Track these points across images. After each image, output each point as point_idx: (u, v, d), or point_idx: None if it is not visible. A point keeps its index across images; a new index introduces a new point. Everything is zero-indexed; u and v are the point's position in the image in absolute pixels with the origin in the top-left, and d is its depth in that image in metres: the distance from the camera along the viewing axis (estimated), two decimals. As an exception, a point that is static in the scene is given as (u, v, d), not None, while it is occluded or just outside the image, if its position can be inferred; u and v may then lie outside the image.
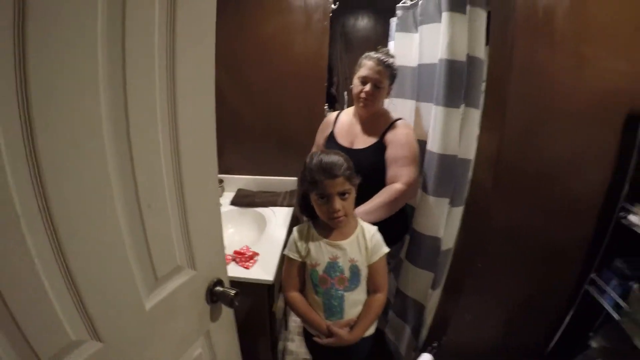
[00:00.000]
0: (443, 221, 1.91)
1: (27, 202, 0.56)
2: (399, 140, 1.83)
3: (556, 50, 1.29)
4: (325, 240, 1.48)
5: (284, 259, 1.58)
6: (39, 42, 0.54)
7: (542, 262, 1.62)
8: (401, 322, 2.27)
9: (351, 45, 4.11)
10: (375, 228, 1.55)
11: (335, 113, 2.17)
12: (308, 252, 1.48)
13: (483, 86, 1.70)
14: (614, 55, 1.32)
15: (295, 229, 1.55)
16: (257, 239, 2.06)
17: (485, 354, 1.88)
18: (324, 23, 2.29)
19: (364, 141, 1.93)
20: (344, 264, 1.46)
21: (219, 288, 1.09)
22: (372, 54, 1.87)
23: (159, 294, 0.89)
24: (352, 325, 1.49)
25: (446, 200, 1.89)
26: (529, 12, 1.25)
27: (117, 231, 0.74)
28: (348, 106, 2.25)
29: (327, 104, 2.61)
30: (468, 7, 1.64)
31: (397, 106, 2.27)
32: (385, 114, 1.97)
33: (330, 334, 1.46)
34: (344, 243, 1.47)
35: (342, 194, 1.39)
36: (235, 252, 1.78)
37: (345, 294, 1.47)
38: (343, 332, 1.45)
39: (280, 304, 2.04)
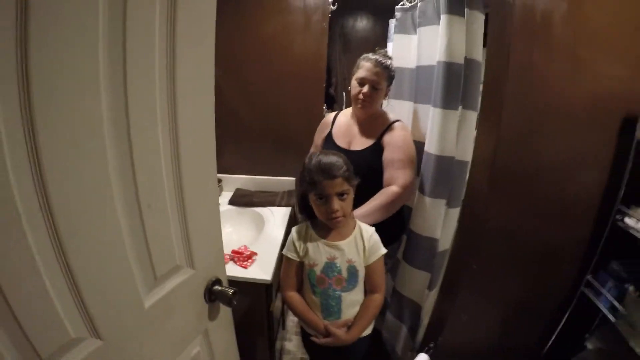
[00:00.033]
0: (440, 222, 1.92)
1: (28, 200, 0.57)
2: (395, 143, 1.84)
3: (553, 53, 1.30)
4: (323, 240, 1.48)
5: (282, 259, 1.58)
6: (40, 41, 0.54)
7: (538, 263, 1.62)
8: (398, 322, 2.27)
9: (350, 46, 4.11)
10: (373, 229, 1.55)
11: (334, 114, 2.17)
12: (306, 252, 1.48)
13: (481, 88, 1.70)
14: (611, 58, 1.33)
15: (293, 229, 1.55)
16: (255, 238, 2.06)
17: (482, 354, 1.88)
18: (323, 24, 2.29)
19: (361, 143, 1.94)
20: (341, 264, 1.47)
21: (217, 287, 1.10)
22: (370, 55, 1.88)
23: (158, 292, 0.90)
24: (349, 326, 1.50)
25: (443, 202, 1.89)
26: (527, 16, 1.26)
27: (117, 230, 0.74)
28: (346, 107, 2.25)
29: (325, 105, 2.61)
30: (466, 10, 1.65)
31: (395, 107, 2.28)
32: (382, 115, 1.97)
33: (327, 333, 1.46)
34: (342, 243, 1.47)
35: (341, 195, 1.39)
36: (234, 252, 1.79)
37: (343, 294, 1.48)
38: (340, 332, 1.46)
39: (277, 303, 2.04)
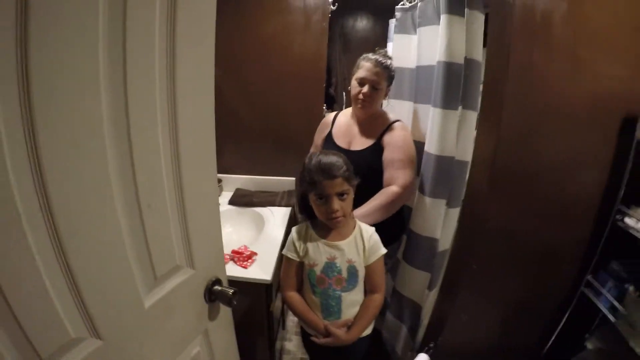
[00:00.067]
0: (440, 222, 1.92)
1: (28, 200, 0.57)
2: (395, 143, 1.84)
3: (553, 53, 1.30)
4: (323, 240, 1.48)
5: (282, 259, 1.58)
6: (40, 41, 0.54)
7: (538, 263, 1.62)
8: (398, 322, 2.27)
9: (350, 46, 4.11)
10: (373, 229, 1.55)
11: (334, 114, 2.17)
12: (306, 252, 1.48)
13: (481, 88, 1.70)
14: (611, 58, 1.33)
15: (293, 229, 1.55)
16: (255, 238, 2.06)
17: (482, 354, 1.88)
18: (323, 24, 2.30)
19: (361, 143, 1.94)
20: (341, 264, 1.47)
21: (217, 287, 1.10)
22: (370, 55, 1.88)
23: (158, 292, 0.90)
24: (349, 326, 1.50)
25: (443, 202, 1.89)
26: (527, 16, 1.26)
27: (117, 230, 0.74)
28: (346, 107, 2.25)
29: (325, 105, 2.61)
30: (466, 10, 1.65)
31: (395, 107, 2.28)
32: (382, 115, 1.97)
33: (327, 333, 1.47)
34: (342, 243, 1.47)
35: (341, 195, 1.39)
36: (234, 252, 1.79)
37: (343, 294, 1.48)
38: (340, 332, 1.46)
39: (277, 303, 2.04)
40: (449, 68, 1.71)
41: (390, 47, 2.40)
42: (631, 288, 1.42)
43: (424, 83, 2.00)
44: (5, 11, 0.50)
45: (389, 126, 1.89)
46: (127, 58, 0.69)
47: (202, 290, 1.07)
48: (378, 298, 1.53)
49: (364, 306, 1.53)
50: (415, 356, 1.77)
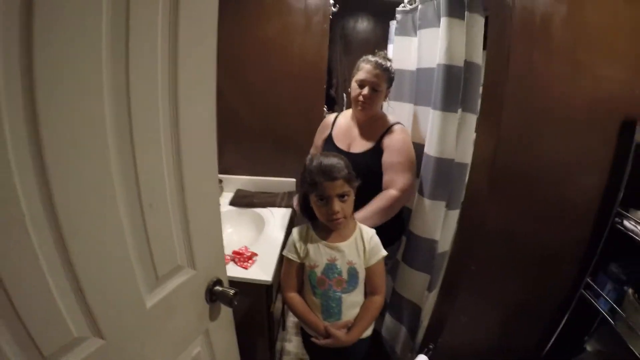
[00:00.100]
0: (439, 224, 1.92)
1: (32, 201, 0.58)
2: (394, 146, 1.85)
3: (552, 56, 1.30)
4: (323, 242, 1.49)
5: (282, 260, 1.59)
6: (44, 41, 0.55)
7: (538, 265, 1.62)
8: (397, 324, 2.27)
9: (351, 48, 4.11)
10: (373, 231, 1.56)
11: (334, 115, 2.18)
12: (307, 253, 1.49)
13: (480, 91, 1.71)
14: (610, 61, 1.34)
15: (294, 230, 1.56)
16: (256, 239, 2.06)
17: (481, 356, 1.88)
18: (324, 25, 2.30)
19: (361, 145, 1.94)
20: (342, 266, 1.47)
21: (218, 288, 1.10)
22: (370, 57, 1.88)
23: (159, 292, 0.91)
24: (349, 327, 1.50)
25: (442, 204, 1.89)
26: (526, 19, 1.26)
27: (120, 230, 0.75)
28: (347, 108, 2.25)
29: (326, 106, 2.62)
30: (466, 13, 1.65)
31: (395, 109, 2.28)
32: (382, 117, 1.98)
33: (327, 335, 1.47)
34: (342, 245, 1.48)
35: (342, 196, 1.40)
36: (234, 253, 1.79)
37: (343, 295, 1.48)
38: (340, 334, 1.46)
39: (278, 304, 2.05)
40: (449, 71, 1.71)
41: (390, 49, 2.41)
42: (630, 290, 1.42)
43: (424, 85, 2.00)
44: (10, 11, 0.51)
45: (388, 129, 1.90)
46: (129, 57, 0.70)
47: (203, 291, 1.07)
48: (378, 300, 1.54)
49: (364, 308, 1.54)
50: (414, 357, 1.78)
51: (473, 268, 1.59)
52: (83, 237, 0.67)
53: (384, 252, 1.53)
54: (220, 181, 2.60)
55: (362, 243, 1.50)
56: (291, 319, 2.82)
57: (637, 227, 1.36)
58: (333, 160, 1.41)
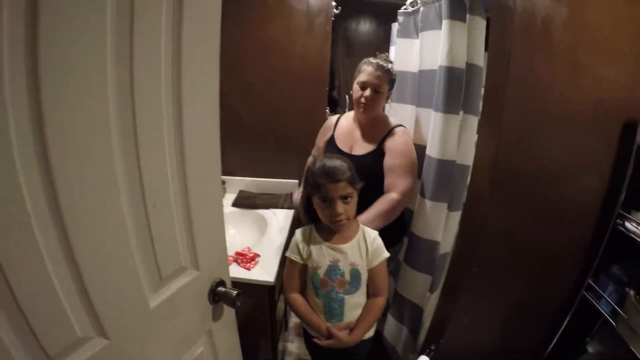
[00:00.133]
0: (441, 225, 1.93)
1: (37, 201, 0.58)
2: (396, 149, 1.85)
3: (553, 57, 1.30)
4: (326, 243, 1.49)
5: (284, 261, 1.59)
6: (49, 42, 0.56)
7: (539, 267, 1.62)
8: (399, 325, 2.28)
9: (353, 49, 4.12)
10: (376, 233, 1.56)
11: (336, 117, 2.18)
12: (309, 254, 1.49)
13: (482, 91, 1.71)
14: (611, 63, 1.34)
15: (297, 231, 1.56)
16: (258, 240, 2.07)
17: (483, 357, 1.88)
18: (326, 27, 2.31)
19: (363, 147, 1.95)
20: (344, 267, 1.48)
21: (221, 288, 1.11)
22: (371, 59, 1.89)
23: (163, 293, 0.91)
24: (351, 328, 1.51)
25: (444, 205, 1.90)
26: (527, 20, 1.26)
27: (124, 230, 0.76)
28: (349, 109, 2.26)
29: (328, 108, 2.62)
30: (467, 16, 1.66)
31: (398, 111, 2.29)
32: (384, 119, 1.98)
33: (330, 336, 1.48)
34: (345, 247, 1.49)
35: (344, 198, 1.41)
36: (237, 254, 1.80)
37: (346, 297, 1.49)
38: (342, 335, 1.47)
39: (280, 304, 2.05)
40: (451, 73, 1.71)
41: (392, 51, 2.42)
42: (632, 292, 1.42)
43: (426, 87, 2.00)
44: (15, 11, 0.51)
45: (390, 131, 1.90)
46: (134, 58, 0.71)
47: (206, 292, 1.08)
48: (380, 301, 1.54)
49: (366, 309, 1.54)
50: (416, 358, 1.78)
51: (475, 269, 1.59)
52: (87, 237, 0.67)
53: (387, 254, 1.53)
54: (223, 182, 2.60)
55: (364, 245, 1.51)
56: (293, 320, 2.83)
57: (638, 229, 1.36)
58: (336, 163, 1.42)
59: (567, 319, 1.68)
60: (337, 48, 3.91)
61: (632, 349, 1.35)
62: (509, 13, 1.28)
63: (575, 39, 1.30)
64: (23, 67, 0.53)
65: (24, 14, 0.52)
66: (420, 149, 1.98)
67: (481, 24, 1.68)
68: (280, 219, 2.29)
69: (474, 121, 1.81)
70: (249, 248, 1.86)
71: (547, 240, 1.56)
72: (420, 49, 2.07)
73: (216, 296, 1.10)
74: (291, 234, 1.61)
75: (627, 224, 1.41)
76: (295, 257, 1.51)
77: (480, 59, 1.74)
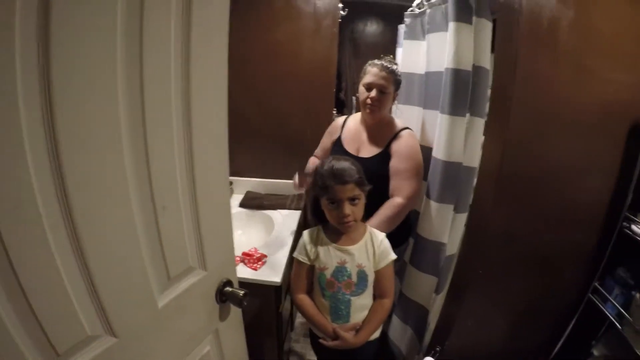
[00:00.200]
0: (447, 227, 1.92)
1: (49, 201, 0.59)
2: (402, 152, 1.85)
3: (560, 60, 1.31)
4: (334, 244, 1.50)
5: (291, 261, 1.60)
6: (61, 44, 0.57)
7: (545, 269, 1.62)
8: (405, 326, 2.27)
9: (360, 51, 4.11)
10: (383, 235, 1.56)
11: (343, 118, 2.18)
12: (317, 255, 1.50)
13: (489, 93, 1.71)
14: (618, 66, 1.34)
15: (305, 232, 1.57)
16: (265, 241, 2.08)
17: (488, 359, 1.89)
18: (333, 29, 2.32)
19: (369, 150, 1.95)
20: (351, 268, 1.48)
21: (228, 288, 1.12)
22: (376, 61, 1.89)
23: (171, 293, 0.92)
24: (357, 329, 1.51)
25: (450, 207, 1.89)
26: (534, 23, 1.27)
27: (133, 231, 0.77)
28: (356, 111, 2.27)
29: (335, 109, 2.63)
30: (474, 18, 1.66)
31: (405, 113, 2.29)
32: (390, 122, 1.98)
33: (336, 336, 1.48)
34: (352, 248, 1.49)
35: (352, 200, 1.41)
36: (244, 254, 1.81)
37: (352, 298, 1.49)
38: (348, 336, 1.47)
39: (286, 305, 2.06)
40: (457, 75, 1.71)
41: (399, 53, 2.42)
42: (638, 295, 1.42)
43: (433, 89, 2.00)
44: (29, 12, 0.52)
45: (397, 134, 1.90)
46: (143, 59, 0.72)
47: (213, 291, 1.09)
48: (387, 303, 1.54)
49: (372, 310, 1.54)
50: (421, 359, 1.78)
51: (480, 272, 1.59)
52: (98, 238, 0.68)
53: (394, 256, 1.53)
54: (231, 183, 2.61)
55: (372, 246, 1.51)
56: (299, 320, 2.83)
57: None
58: (344, 164, 1.42)
59: (573, 321, 1.68)
60: (344, 50, 3.91)
61: (638, 352, 1.35)
62: (516, 15, 1.28)
63: (581, 41, 1.30)
64: (35, 68, 0.54)
65: (37, 13, 0.53)
66: (427, 151, 1.98)
67: (487, 26, 1.68)
68: (287, 219, 2.30)
69: (480, 123, 1.81)
70: (255, 248, 1.87)
71: (553, 243, 1.56)
72: (427, 51, 2.06)
73: (223, 296, 1.11)
74: (298, 234, 1.61)
75: (634, 227, 1.41)
76: (302, 258, 1.52)
77: (487, 61, 1.74)
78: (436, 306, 2.06)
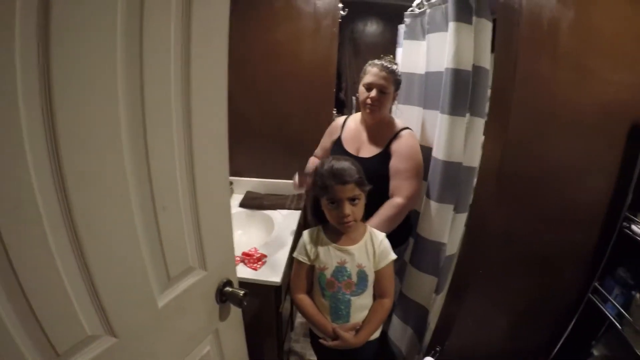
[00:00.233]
0: (447, 227, 1.92)
1: (49, 202, 0.59)
2: (402, 152, 1.85)
3: (560, 60, 1.30)
4: (334, 244, 1.50)
5: (291, 261, 1.60)
6: (61, 44, 0.57)
7: (545, 269, 1.62)
8: (405, 326, 2.27)
9: (360, 51, 4.11)
10: (383, 235, 1.56)
11: (343, 118, 2.18)
12: (317, 255, 1.50)
13: (488, 93, 1.71)
14: (618, 67, 1.34)
15: (305, 232, 1.57)
16: (265, 241, 2.08)
17: (488, 359, 1.89)
18: (333, 29, 2.32)
19: (369, 150, 1.95)
20: (351, 268, 1.48)
21: (228, 288, 1.12)
22: (376, 61, 1.89)
23: (171, 293, 0.92)
24: (357, 329, 1.51)
25: (450, 207, 1.89)
26: (534, 23, 1.26)
27: (133, 232, 0.77)
28: (356, 111, 2.27)
29: (335, 109, 2.63)
30: (474, 18, 1.66)
31: (405, 113, 2.29)
32: (390, 122, 1.98)
33: (336, 336, 1.48)
34: (352, 248, 1.49)
35: (352, 200, 1.41)
36: (244, 254, 1.81)
37: (352, 298, 1.49)
38: (348, 336, 1.47)
39: (286, 305, 2.06)
40: (457, 75, 1.71)
41: (399, 53, 2.42)
42: (637, 295, 1.42)
43: (433, 89, 2.00)
44: (28, 12, 0.52)
45: (397, 134, 1.90)
46: (143, 59, 0.72)
47: (213, 291, 1.09)
48: (387, 303, 1.54)
49: (372, 310, 1.54)
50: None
51: (481, 272, 1.59)
52: (98, 238, 0.68)
53: (394, 256, 1.53)
54: (231, 183, 2.61)
55: (372, 246, 1.51)
56: (299, 320, 2.84)
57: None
58: (344, 164, 1.42)
59: (573, 321, 1.68)
60: (344, 50, 3.91)
61: (638, 352, 1.35)
62: (516, 15, 1.28)
63: (581, 41, 1.30)
64: (35, 68, 0.54)
65: (37, 13, 0.53)
66: (427, 151, 1.99)
67: (487, 26, 1.68)
68: (287, 219, 2.30)
69: (480, 123, 1.81)
70: (255, 248, 1.87)
71: (553, 243, 1.56)
72: (427, 51, 2.06)
73: (223, 296, 1.11)
74: (298, 234, 1.61)
75: (634, 227, 1.41)
76: (302, 258, 1.52)
77: (487, 61, 1.74)
78: (436, 306, 2.06)
